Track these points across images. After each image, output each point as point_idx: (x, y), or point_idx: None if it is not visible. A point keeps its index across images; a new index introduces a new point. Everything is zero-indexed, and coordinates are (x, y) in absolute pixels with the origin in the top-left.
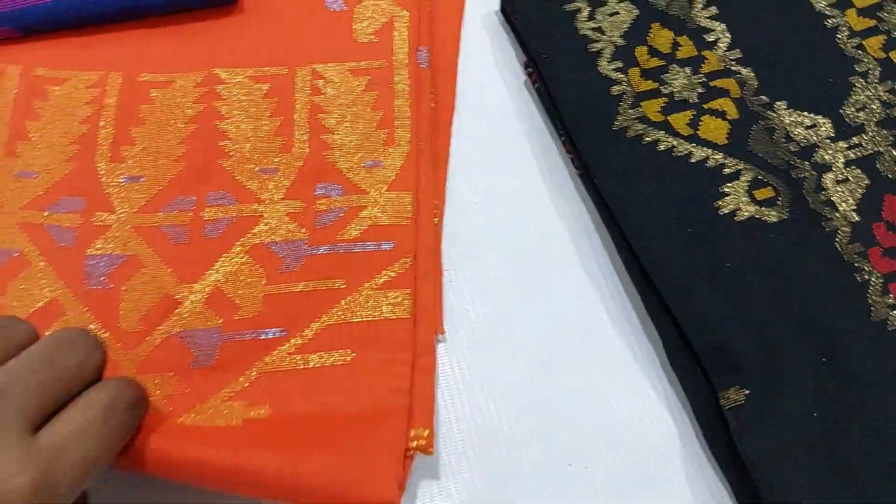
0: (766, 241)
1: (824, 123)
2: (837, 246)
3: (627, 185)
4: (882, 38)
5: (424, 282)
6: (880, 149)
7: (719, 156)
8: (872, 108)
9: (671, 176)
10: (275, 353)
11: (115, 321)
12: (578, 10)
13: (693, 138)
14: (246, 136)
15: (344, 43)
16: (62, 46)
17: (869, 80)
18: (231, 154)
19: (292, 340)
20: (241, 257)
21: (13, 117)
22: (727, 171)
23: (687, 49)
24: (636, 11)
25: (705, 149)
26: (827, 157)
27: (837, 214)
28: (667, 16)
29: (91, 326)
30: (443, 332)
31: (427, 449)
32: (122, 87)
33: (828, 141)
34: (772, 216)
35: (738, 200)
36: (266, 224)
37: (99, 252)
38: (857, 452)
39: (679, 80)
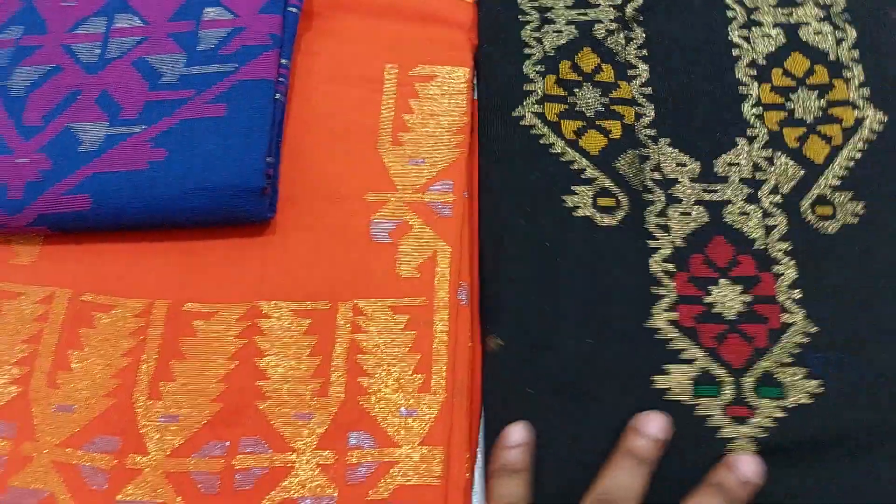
0: (591, 237)
1: (693, 167)
2: (651, 261)
3: (503, 161)
4: (783, 114)
5: None
6: (732, 199)
7: (584, 162)
8: (742, 166)
9: (540, 165)
10: None
11: None
12: (529, 22)
13: (573, 143)
14: (284, 377)
15: (387, 278)
16: (109, 264)
17: (753, 145)
18: (268, 396)
19: None
20: None
21: (59, 345)
22: (584, 176)
23: (606, 75)
24: (576, 34)
25: (578, 155)
26: (680, 192)
27: (667, 236)
28: (602, 45)
29: None
30: None
31: None
32: (167, 317)
33: (689, 181)
34: (604, 221)
35: (582, 200)
36: (296, 477)
37: (129, 499)
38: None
39: (586, 96)
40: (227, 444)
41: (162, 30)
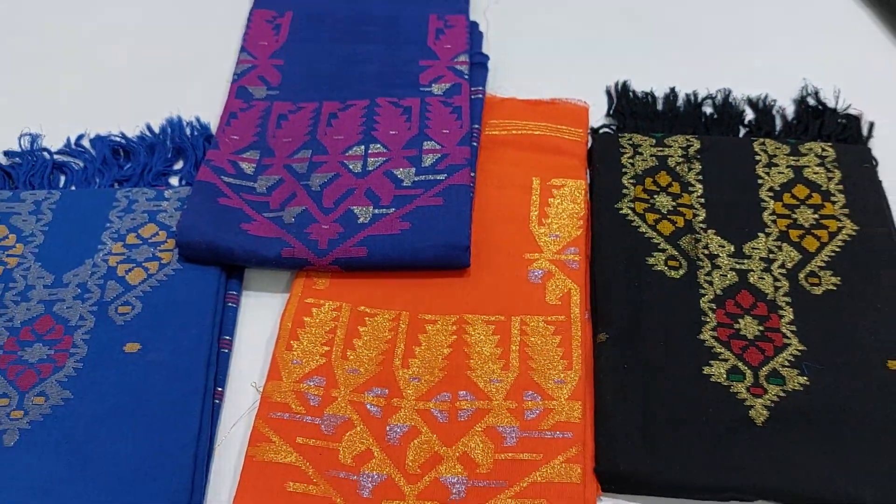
0: (663, 284)
1: (729, 248)
2: (700, 301)
3: (610, 236)
4: (788, 221)
5: (588, 463)
6: (753, 269)
7: (659, 241)
8: (761, 250)
9: (632, 241)
10: (500, 496)
11: (403, 465)
12: (625, 152)
13: (652, 227)
14: (483, 358)
15: (541, 303)
16: (374, 287)
17: (769, 238)
18: (473, 368)
19: (511, 489)
20: (480, 434)
21: (346, 335)
22: (659, 247)
23: (674, 188)
24: (656, 162)
25: (656, 234)
26: (721, 262)
27: (711, 288)
28: (672, 171)
29: (388, 468)
30: (601, 495)
31: None
32: (409, 322)
33: (726, 256)
34: (672, 274)
35: (658, 261)
36: (494, 416)
37: (395, 422)
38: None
39: (661, 199)
40: (450, 394)
41: (399, 154)
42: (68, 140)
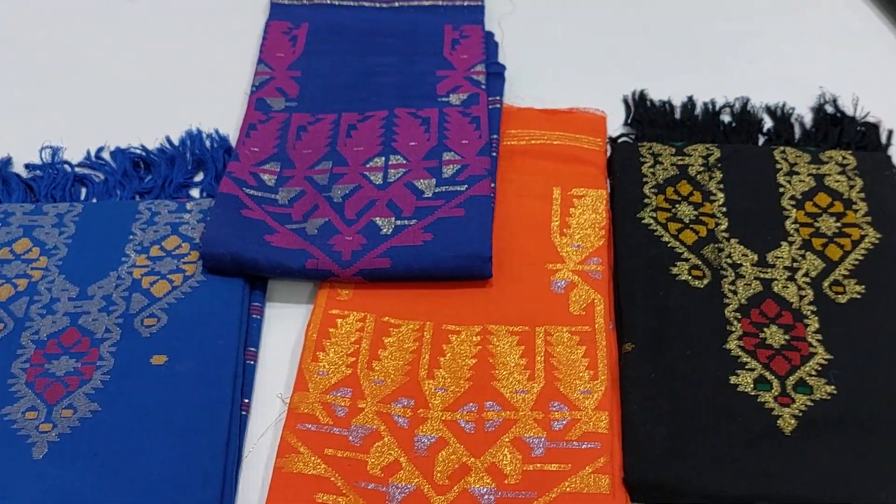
0: (687, 293)
1: (753, 257)
2: (724, 311)
3: (633, 246)
4: (811, 230)
5: (616, 473)
6: (777, 278)
7: (682, 250)
8: (784, 259)
9: (655, 250)
10: None
11: (432, 476)
12: (645, 161)
13: (675, 237)
14: (508, 369)
15: (564, 313)
16: (397, 298)
17: (792, 247)
18: (499, 379)
19: (540, 499)
20: (507, 445)
21: (371, 346)
22: (683, 256)
23: (696, 197)
24: (676, 172)
25: (679, 244)
26: (744, 271)
27: (735, 297)
28: (693, 180)
29: (417, 479)
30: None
31: None
32: (434, 332)
33: (750, 265)
34: (696, 283)
35: (681, 271)
36: (521, 426)
37: (422, 433)
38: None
39: (683, 208)
40: (477, 405)
41: (419, 165)
42: (88, 153)
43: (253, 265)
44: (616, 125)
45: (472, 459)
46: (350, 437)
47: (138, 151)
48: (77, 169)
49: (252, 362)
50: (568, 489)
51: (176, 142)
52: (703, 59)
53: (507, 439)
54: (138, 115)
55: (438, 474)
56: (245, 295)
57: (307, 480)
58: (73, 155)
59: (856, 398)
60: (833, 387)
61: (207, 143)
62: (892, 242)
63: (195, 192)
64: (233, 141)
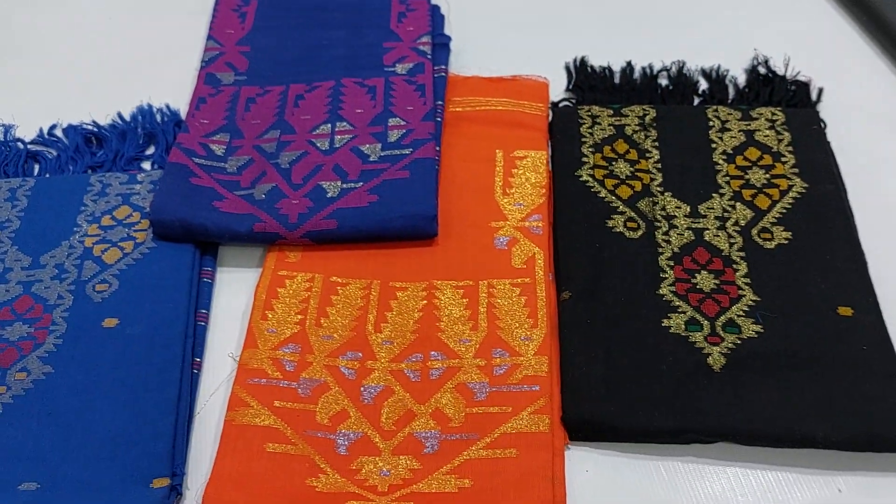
0: (623, 244)
1: (686, 208)
2: (658, 259)
3: (571, 202)
4: (741, 182)
5: (555, 413)
6: (708, 227)
7: (618, 204)
8: (715, 209)
9: (592, 205)
10: (472, 448)
11: (378, 423)
12: (584, 122)
13: (612, 192)
14: (452, 320)
15: (507, 267)
16: (345, 259)
17: (723, 198)
18: (444, 330)
19: (482, 440)
20: (451, 391)
21: (319, 304)
22: (618, 210)
23: (632, 155)
24: (613, 132)
25: (615, 199)
26: (677, 223)
27: (668, 246)
28: (629, 139)
29: (364, 426)
30: (568, 443)
31: None
32: (381, 289)
33: (682, 216)
34: (631, 234)
35: (616, 224)
36: (465, 373)
37: (369, 383)
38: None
39: (619, 166)
40: (422, 355)
41: (364, 131)
42: (41, 130)
43: (202, 231)
44: (558, 92)
45: (417, 406)
46: (299, 390)
47: (90, 127)
48: (30, 146)
49: (203, 324)
50: (509, 430)
51: (127, 118)
52: (643, 27)
53: (450, 385)
54: (90, 93)
55: (385, 421)
56: (195, 259)
57: (257, 431)
58: (26, 132)
59: (782, 336)
60: (760, 326)
61: (158, 118)
62: (818, 191)
63: (146, 165)
64: (184, 115)
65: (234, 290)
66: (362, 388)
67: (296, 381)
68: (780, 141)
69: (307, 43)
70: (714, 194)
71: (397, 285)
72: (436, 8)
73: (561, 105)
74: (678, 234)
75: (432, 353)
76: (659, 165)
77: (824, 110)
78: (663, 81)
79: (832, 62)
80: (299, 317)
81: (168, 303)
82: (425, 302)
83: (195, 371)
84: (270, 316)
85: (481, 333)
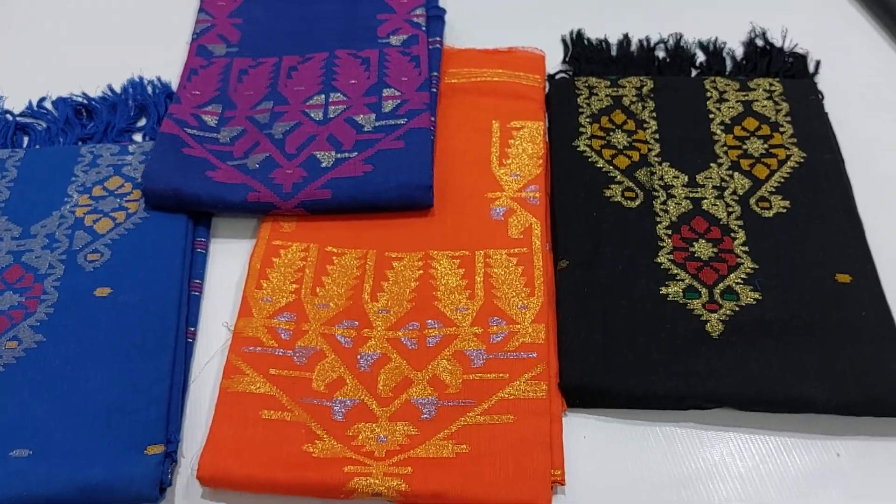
0: (621, 213)
1: (684, 178)
2: (656, 228)
3: (568, 172)
4: (739, 152)
5: (552, 380)
6: (707, 196)
7: (616, 174)
8: (713, 179)
9: (589, 175)
10: (469, 414)
11: (375, 390)
12: (581, 93)
13: (609, 162)
14: (449, 290)
15: (503, 237)
16: (340, 229)
17: (721, 168)
18: (440, 299)
19: (480, 406)
20: (448, 358)
21: (315, 273)
22: (616, 180)
23: (629, 125)
24: (611, 102)
25: (613, 168)
26: (675, 192)
27: (666, 216)
28: (627, 109)
29: (361, 393)
30: (566, 409)
31: (561, 481)
32: (377, 259)
33: (680, 186)
34: (629, 204)
35: (614, 193)
36: (462, 340)
37: (365, 351)
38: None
39: (617, 136)
40: (419, 323)
41: (359, 101)
42: (30, 103)
43: (195, 200)
44: (555, 64)
45: (414, 373)
46: (294, 358)
47: (80, 99)
48: (19, 118)
49: (197, 293)
50: (507, 396)
51: (118, 90)
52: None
53: (448, 353)
54: (81, 66)
55: (381, 388)
56: (188, 229)
57: (253, 399)
58: (15, 104)
59: (780, 302)
60: (758, 293)
61: (149, 90)
62: (816, 160)
63: (138, 137)
64: (175, 88)
65: (228, 261)
66: (359, 356)
67: (291, 349)
68: (778, 111)
69: (300, 15)
70: (712, 164)
71: (393, 255)
72: None
73: (558, 76)
74: (676, 203)
75: (429, 321)
76: (657, 136)
77: (821, 83)
78: (660, 54)
79: (828, 36)
80: (294, 286)
81: (161, 271)
82: (421, 272)
83: (189, 340)
84: (265, 285)
85: (478, 302)
